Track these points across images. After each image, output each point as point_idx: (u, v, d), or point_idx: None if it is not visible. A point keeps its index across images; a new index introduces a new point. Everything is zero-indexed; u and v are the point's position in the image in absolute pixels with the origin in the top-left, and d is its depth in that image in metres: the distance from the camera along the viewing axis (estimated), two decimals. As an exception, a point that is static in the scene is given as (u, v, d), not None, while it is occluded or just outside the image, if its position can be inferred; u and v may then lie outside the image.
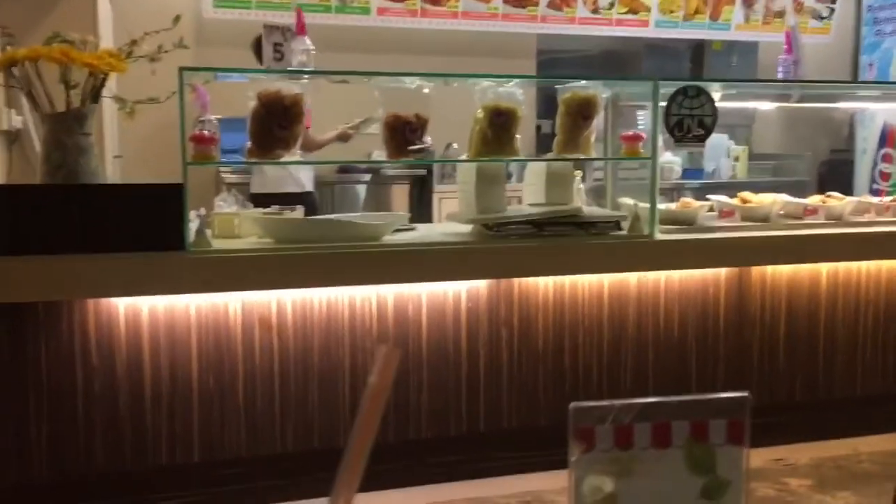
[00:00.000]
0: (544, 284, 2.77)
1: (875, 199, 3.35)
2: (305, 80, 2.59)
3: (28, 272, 2.22)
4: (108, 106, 3.95)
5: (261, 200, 4.38)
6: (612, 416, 0.73)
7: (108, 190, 2.36)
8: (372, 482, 2.84)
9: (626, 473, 0.77)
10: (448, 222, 2.96)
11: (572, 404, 0.74)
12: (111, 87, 2.61)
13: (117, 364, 2.42)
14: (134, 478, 2.48)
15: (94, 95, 2.39)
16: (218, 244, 2.47)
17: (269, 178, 4.58)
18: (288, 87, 2.45)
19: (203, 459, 2.52)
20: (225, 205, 2.80)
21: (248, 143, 2.46)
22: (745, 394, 0.78)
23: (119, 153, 4.72)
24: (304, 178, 4.67)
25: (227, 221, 2.64)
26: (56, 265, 2.24)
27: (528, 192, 2.96)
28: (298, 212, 2.87)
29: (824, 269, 3.06)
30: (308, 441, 2.61)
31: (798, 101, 3.64)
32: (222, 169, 5.08)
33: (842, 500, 2.67)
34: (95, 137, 2.47)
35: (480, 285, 2.72)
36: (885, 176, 4.91)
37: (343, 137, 4.61)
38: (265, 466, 2.58)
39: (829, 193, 3.34)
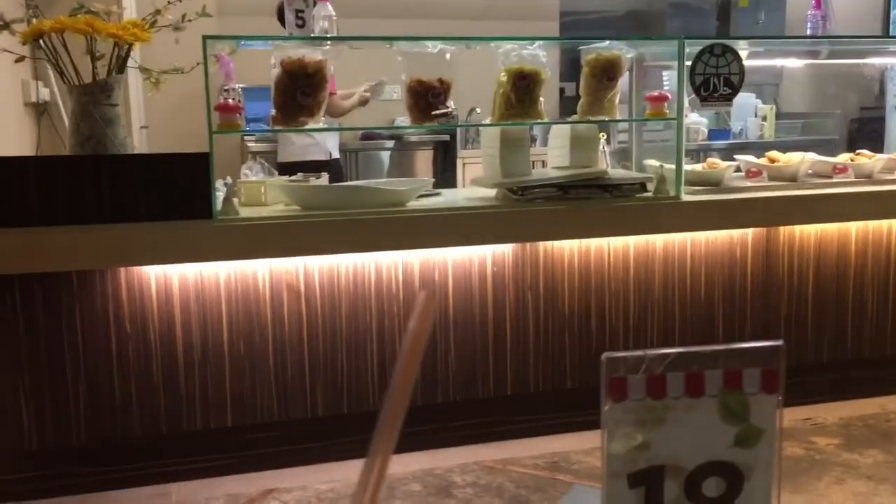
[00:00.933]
0: (570, 248, 2.77)
1: (906, 157, 3.29)
2: (328, 47, 2.59)
3: (60, 242, 2.26)
4: (133, 77, 3.98)
5: (288, 169, 4.42)
6: (644, 366, 0.74)
7: (137, 160, 2.38)
8: (400, 445, 2.89)
9: (658, 422, 0.78)
10: (473, 187, 2.96)
11: (604, 354, 0.75)
12: (136, 57, 2.62)
13: (150, 331, 2.47)
14: (169, 442, 2.53)
15: (120, 66, 2.41)
16: (245, 212, 2.50)
17: (297, 146, 4.58)
18: (311, 54, 2.45)
19: (236, 424, 2.58)
20: (251, 173, 2.82)
21: (273, 111, 2.47)
22: (780, 342, 0.78)
23: (145, 124, 4.75)
24: (330, 146, 4.67)
25: (254, 189, 2.66)
26: (87, 235, 2.28)
27: (552, 156, 2.95)
28: (323, 179, 2.88)
29: (853, 227, 3.03)
30: (337, 405, 2.65)
31: (827, 58, 3.57)
32: (247, 138, 5.10)
33: (870, 458, 2.67)
34: (122, 108, 2.49)
35: (506, 249, 2.72)
36: (917, 133, 4.82)
37: (363, 102, 4.60)
38: (296, 430, 2.63)
39: (858, 151, 3.29)
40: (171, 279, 2.47)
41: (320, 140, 4.60)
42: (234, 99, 2.44)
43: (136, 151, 2.67)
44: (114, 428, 2.49)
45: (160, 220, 2.34)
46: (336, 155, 4.71)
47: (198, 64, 2.33)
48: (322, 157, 4.60)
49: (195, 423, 2.54)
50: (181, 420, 2.53)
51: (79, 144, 2.38)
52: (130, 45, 2.39)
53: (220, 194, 2.44)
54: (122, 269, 2.42)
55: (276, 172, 2.97)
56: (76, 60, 2.38)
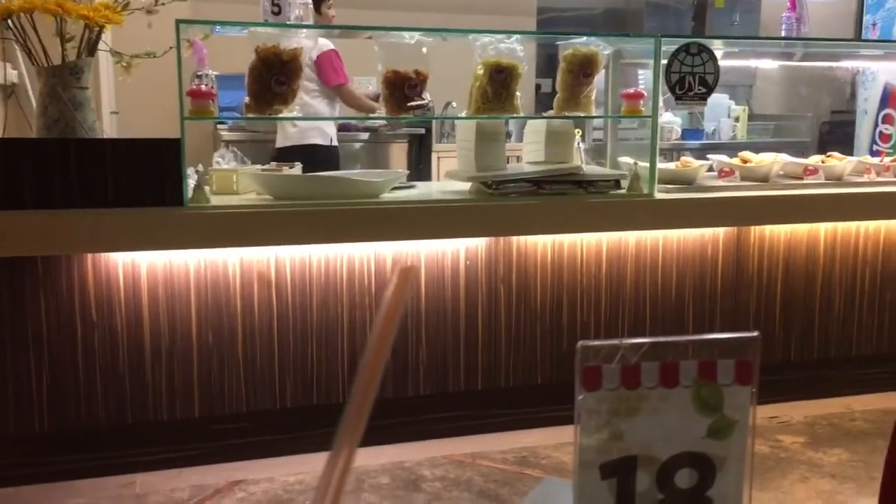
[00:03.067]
0: (543, 243, 2.77)
1: (875, 160, 3.34)
2: (304, 35, 2.56)
3: (25, 227, 2.22)
4: (104, 61, 3.91)
5: (286, 154, 4.37)
6: (619, 355, 0.74)
7: (106, 145, 2.34)
8: (370, 438, 2.88)
9: (632, 412, 0.78)
10: (447, 180, 2.95)
11: (580, 343, 0.74)
12: (107, 40, 2.58)
13: (116, 319, 2.43)
14: (135, 431, 2.50)
15: (91, 48, 2.36)
16: (216, 200, 2.47)
17: (297, 129, 4.51)
18: (286, 42, 2.43)
19: (203, 414, 2.55)
20: (223, 161, 2.79)
21: (246, 98, 2.44)
22: (755, 334, 0.78)
23: (116, 109, 4.67)
24: (330, 131, 4.58)
25: (226, 177, 2.63)
26: (53, 220, 2.23)
27: (527, 151, 2.95)
28: (297, 168, 2.85)
29: (823, 229, 3.06)
30: (306, 396, 2.63)
31: (800, 60, 3.61)
32: (220, 126, 5.04)
33: (834, 456, 2.71)
34: (92, 92, 2.44)
35: (479, 243, 2.72)
36: (886, 137, 4.88)
37: (370, 110, 4.53)
38: (264, 421, 2.60)
39: (829, 154, 3.33)
40: (139, 267, 2.43)
41: (321, 125, 4.52)
42: (206, 85, 2.40)
43: (106, 136, 2.62)
44: (78, 416, 2.45)
45: (129, 206, 2.31)
46: (335, 143, 4.63)
47: (170, 48, 2.29)
48: (323, 141, 4.53)
49: (161, 413, 2.51)
50: (147, 410, 2.50)
51: (46, 127, 2.33)
52: (101, 28, 2.34)
53: (191, 182, 2.40)
54: (89, 256, 2.38)
55: (249, 161, 2.93)
56: (45, 42, 2.33)
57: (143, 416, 2.50)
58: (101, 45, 2.42)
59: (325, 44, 4.42)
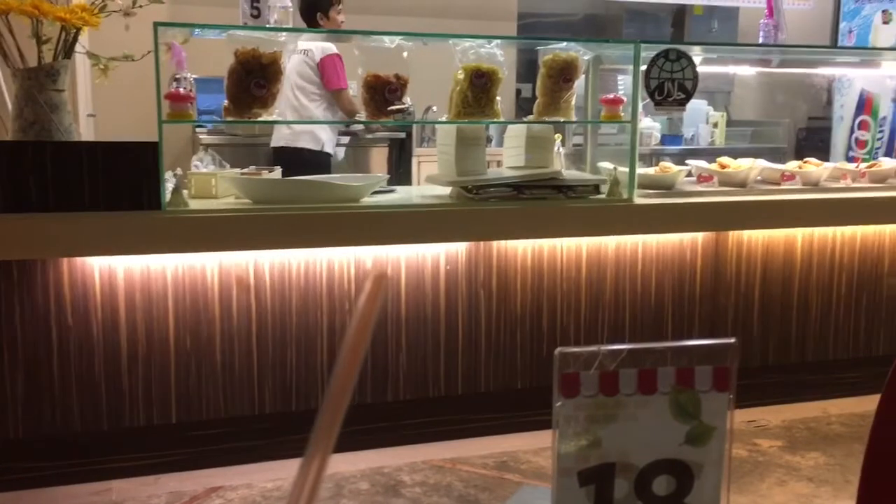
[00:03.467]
0: (523, 248, 2.78)
1: (851, 166, 3.37)
2: (283, 38, 2.55)
3: (0, 231, 2.19)
4: (81, 64, 3.88)
5: (279, 154, 4.37)
6: (597, 362, 0.74)
7: (82, 147, 2.31)
8: (349, 443, 2.85)
9: (610, 419, 0.78)
10: (427, 185, 2.95)
11: (558, 349, 0.74)
12: (84, 43, 2.55)
13: (93, 324, 2.41)
14: (111, 438, 2.47)
15: (67, 51, 2.34)
16: (194, 204, 2.45)
17: (291, 131, 4.50)
18: (266, 45, 2.41)
19: (180, 420, 2.52)
20: (202, 164, 2.77)
21: (225, 102, 2.43)
22: (732, 340, 0.78)
23: (93, 112, 4.64)
24: (324, 138, 4.56)
25: (205, 181, 2.61)
26: (29, 224, 2.21)
27: (507, 156, 2.95)
28: (276, 172, 2.84)
29: (800, 234, 3.09)
30: (285, 402, 2.61)
31: (778, 67, 3.64)
32: (199, 129, 5.01)
33: (811, 460, 2.73)
34: (69, 95, 2.42)
35: (459, 248, 2.72)
36: (861, 143, 4.94)
37: (352, 115, 4.52)
38: (243, 427, 2.58)
39: (806, 159, 3.36)
40: (115, 271, 2.41)
41: (315, 129, 4.52)
42: (185, 88, 2.39)
43: (82, 139, 2.59)
44: (53, 423, 2.42)
45: (106, 210, 2.28)
46: (329, 149, 4.61)
47: (148, 52, 2.28)
48: (314, 146, 4.52)
49: (138, 419, 2.49)
50: (123, 416, 2.47)
51: (22, 130, 2.30)
52: (78, 30, 2.32)
53: (169, 185, 2.38)
54: (65, 260, 2.36)
55: (228, 165, 2.91)
56: (21, 43, 2.30)
57: (120, 422, 2.47)
58: (77, 48, 2.40)
59: (329, 47, 4.42)
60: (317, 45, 4.34)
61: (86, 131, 4.27)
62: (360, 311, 0.59)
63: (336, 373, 0.59)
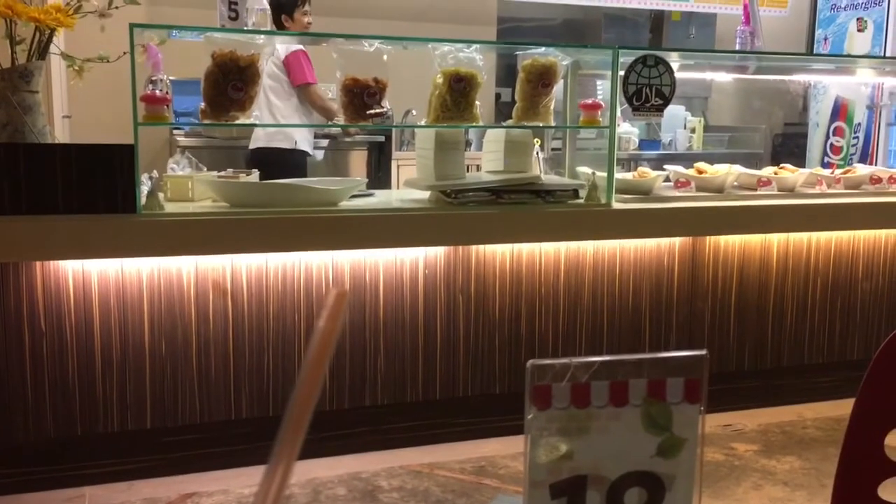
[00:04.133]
0: (502, 252, 2.78)
1: (826, 172, 3.40)
2: (261, 41, 2.53)
3: (-28, 234, 2.16)
4: (56, 64, 3.83)
5: (257, 155, 4.35)
6: (569, 374, 0.73)
7: (56, 150, 2.28)
8: (327, 448, 2.85)
9: (582, 431, 0.78)
10: (406, 189, 2.94)
11: (530, 362, 0.74)
12: (59, 44, 2.53)
13: (66, 329, 2.38)
14: (85, 443, 2.44)
15: (41, 51, 2.31)
16: (171, 207, 2.43)
17: (265, 132, 4.50)
18: (244, 48, 2.40)
19: (155, 425, 2.50)
20: (178, 167, 2.74)
21: (202, 104, 2.41)
22: (703, 352, 0.78)
23: (68, 114, 4.59)
24: (298, 137, 4.54)
25: (181, 184, 2.59)
26: (1, 226, 2.18)
27: (486, 160, 2.95)
28: (254, 175, 2.82)
29: (776, 239, 3.12)
30: (262, 407, 2.59)
31: (754, 73, 3.67)
32: (176, 132, 4.97)
33: (786, 464, 2.75)
34: (43, 97, 2.39)
35: (438, 252, 2.71)
36: (837, 149, 4.99)
37: (331, 117, 4.50)
38: (219, 433, 2.56)
39: (782, 165, 3.39)
40: (90, 275, 2.38)
41: (284, 128, 4.51)
42: (161, 90, 2.36)
43: (56, 141, 2.56)
44: (26, 428, 2.39)
45: (80, 212, 2.26)
46: (303, 147, 4.60)
47: (124, 53, 2.25)
48: (287, 145, 4.51)
49: (112, 425, 2.46)
50: (97, 421, 2.44)
51: (-6, 131, 2.27)
52: (53, 31, 2.29)
53: (144, 188, 2.36)
54: (38, 263, 2.33)
55: (205, 168, 2.89)
56: (-6, 44, 2.27)
57: (94, 427, 2.44)
58: (52, 49, 2.37)
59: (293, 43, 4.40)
60: (281, 44, 4.33)
61: (61, 133, 4.22)
62: (322, 328, 0.58)
63: (298, 387, 0.58)
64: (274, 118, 4.39)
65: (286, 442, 0.57)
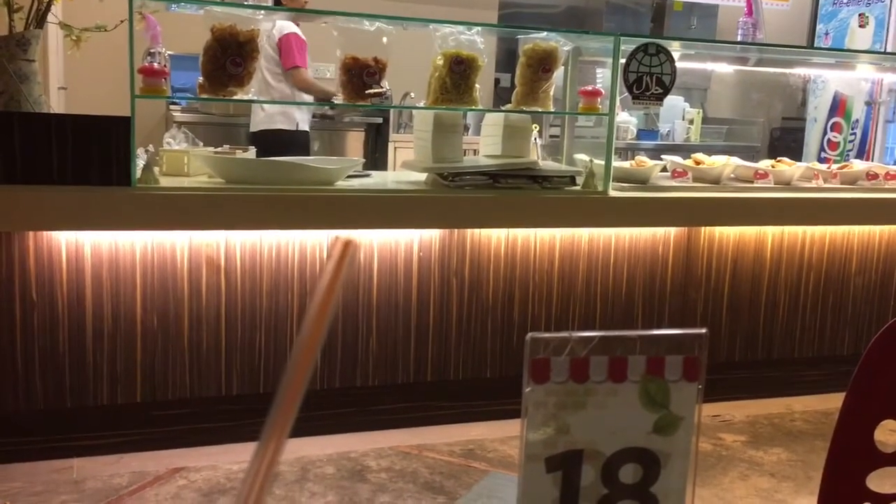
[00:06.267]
0: (497, 236, 2.77)
1: (823, 167, 3.41)
2: (261, 17, 2.51)
3: (-35, 201, 2.14)
4: (53, 34, 3.80)
5: (258, 138, 4.33)
6: (568, 348, 0.73)
7: (52, 120, 2.27)
8: (317, 427, 2.85)
9: (579, 406, 0.78)
10: (403, 170, 2.93)
11: (529, 334, 0.74)
12: (56, 13, 2.50)
13: (58, 300, 2.37)
14: (74, 415, 2.44)
15: (39, 20, 2.29)
16: (166, 182, 2.41)
17: (266, 114, 4.48)
18: (244, 24, 2.38)
19: (145, 399, 2.49)
20: (174, 142, 2.73)
21: (200, 79, 2.39)
22: (703, 331, 0.78)
23: (64, 84, 4.55)
24: (298, 117, 4.54)
25: (177, 159, 2.57)
26: (-5, 195, 2.16)
27: (484, 144, 2.94)
28: (250, 152, 2.80)
29: (770, 232, 3.12)
30: (253, 384, 2.59)
31: (754, 65, 3.66)
32: (173, 107, 4.95)
33: (774, 455, 2.77)
34: (39, 66, 2.37)
35: (433, 235, 2.71)
36: (833, 145, 5.00)
37: (327, 98, 4.49)
38: (209, 408, 2.56)
39: (779, 159, 3.39)
40: (82, 247, 2.37)
41: (287, 109, 4.49)
42: (159, 63, 2.35)
43: (52, 111, 2.54)
44: (15, 399, 2.38)
45: (74, 184, 2.24)
46: (305, 128, 4.60)
47: (122, 22, 2.23)
48: (288, 126, 4.50)
49: (102, 398, 2.45)
50: (87, 393, 2.44)
51: (-10, 99, 2.25)
52: (50, 0, 2.27)
53: (140, 162, 2.35)
54: (31, 234, 2.31)
55: (202, 143, 2.87)
56: (-9, 11, 2.25)
57: (83, 399, 2.44)
58: (50, 18, 2.35)
59: (287, 26, 4.38)
60: (276, 25, 4.33)
61: (56, 104, 4.19)
62: (329, 274, 0.57)
63: (300, 339, 0.58)
64: (271, 98, 4.38)
65: (288, 389, 0.56)
